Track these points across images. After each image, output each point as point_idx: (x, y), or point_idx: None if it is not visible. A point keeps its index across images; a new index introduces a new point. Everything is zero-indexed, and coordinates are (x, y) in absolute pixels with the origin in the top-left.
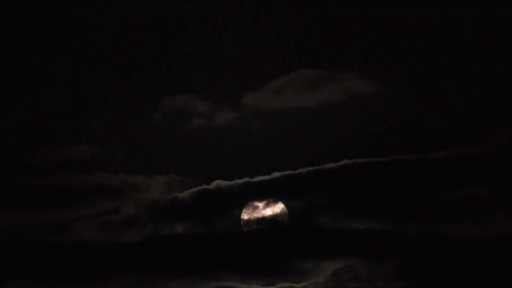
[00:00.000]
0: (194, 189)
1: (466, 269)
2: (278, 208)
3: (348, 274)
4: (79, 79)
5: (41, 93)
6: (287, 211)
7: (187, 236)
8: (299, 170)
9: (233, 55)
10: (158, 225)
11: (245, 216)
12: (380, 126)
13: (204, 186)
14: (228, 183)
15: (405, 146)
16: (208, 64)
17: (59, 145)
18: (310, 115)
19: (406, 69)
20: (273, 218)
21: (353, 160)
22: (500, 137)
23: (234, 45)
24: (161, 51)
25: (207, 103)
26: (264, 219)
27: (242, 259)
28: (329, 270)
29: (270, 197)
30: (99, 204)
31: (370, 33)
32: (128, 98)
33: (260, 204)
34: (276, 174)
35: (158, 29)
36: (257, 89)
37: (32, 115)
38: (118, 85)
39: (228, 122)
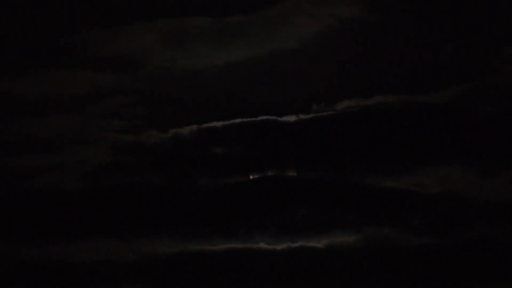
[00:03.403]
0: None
1: (430, 224)
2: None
3: (307, 223)
4: None
5: None
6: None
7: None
8: (260, 118)
9: None
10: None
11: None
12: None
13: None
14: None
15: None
16: None
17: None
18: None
19: None
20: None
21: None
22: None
23: None
24: None
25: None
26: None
27: (204, 212)
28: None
29: (232, 144)
30: (71, 151)
31: None
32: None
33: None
34: (237, 120)
35: None
36: None
37: None
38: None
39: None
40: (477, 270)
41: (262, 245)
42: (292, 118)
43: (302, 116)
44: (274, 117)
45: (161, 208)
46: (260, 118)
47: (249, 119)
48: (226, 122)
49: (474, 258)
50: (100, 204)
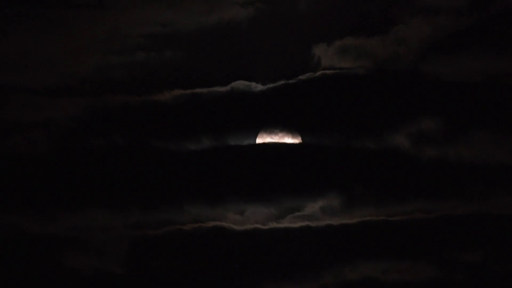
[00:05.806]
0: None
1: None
2: None
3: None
4: None
5: None
6: None
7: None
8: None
9: None
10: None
11: None
12: None
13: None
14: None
15: None
16: None
17: None
18: None
19: None
20: None
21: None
22: None
23: None
24: None
25: None
26: None
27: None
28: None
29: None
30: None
31: None
32: None
33: None
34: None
35: None
36: None
37: None
38: None
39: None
40: (463, 234)
41: (232, 221)
42: (275, 84)
43: (283, 81)
44: (254, 83)
45: (125, 174)
46: (236, 83)
47: (224, 88)
48: (205, 89)
49: (460, 224)
50: (64, 171)
